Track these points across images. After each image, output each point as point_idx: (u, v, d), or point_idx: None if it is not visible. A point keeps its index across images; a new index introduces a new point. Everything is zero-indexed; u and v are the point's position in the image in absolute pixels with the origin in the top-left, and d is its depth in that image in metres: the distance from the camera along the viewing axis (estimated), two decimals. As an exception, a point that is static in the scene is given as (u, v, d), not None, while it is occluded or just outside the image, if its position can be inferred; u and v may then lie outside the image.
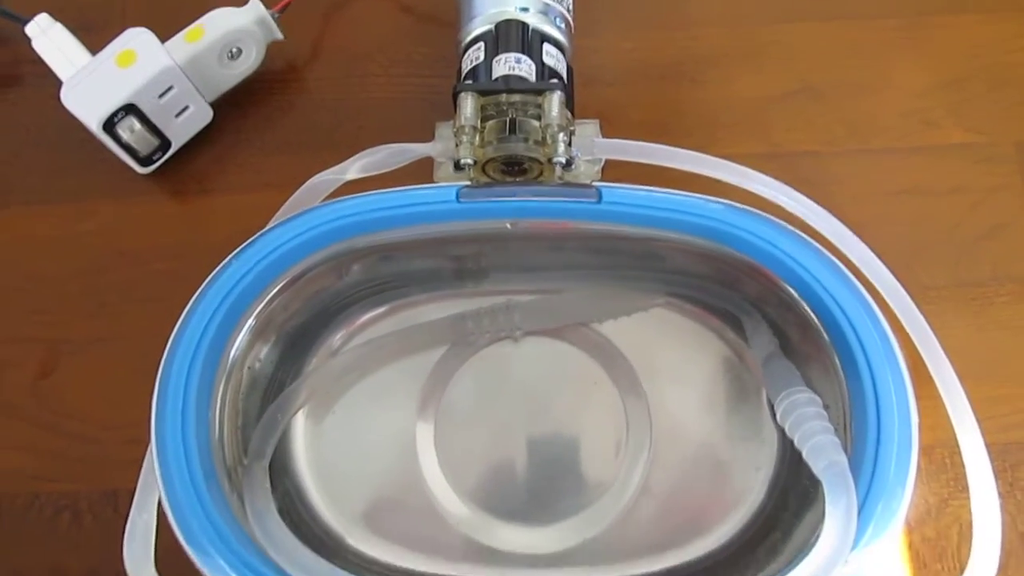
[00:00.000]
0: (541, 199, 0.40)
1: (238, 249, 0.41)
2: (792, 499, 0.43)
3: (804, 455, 0.37)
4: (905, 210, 0.49)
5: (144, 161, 0.50)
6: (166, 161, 0.51)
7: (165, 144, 0.50)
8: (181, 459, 0.38)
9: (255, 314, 0.42)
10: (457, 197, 0.40)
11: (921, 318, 0.39)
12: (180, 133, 0.50)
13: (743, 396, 0.45)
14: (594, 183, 0.41)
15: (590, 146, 0.41)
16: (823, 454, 0.36)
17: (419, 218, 0.41)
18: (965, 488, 0.38)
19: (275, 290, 0.42)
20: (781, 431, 0.43)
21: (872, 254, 0.40)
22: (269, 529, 0.37)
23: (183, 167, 0.51)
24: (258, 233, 0.41)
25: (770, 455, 0.44)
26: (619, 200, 0.40)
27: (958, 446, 0.37)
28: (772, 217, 0.41)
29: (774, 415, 0.43)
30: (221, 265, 0.41)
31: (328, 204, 0.41)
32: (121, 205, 0.51)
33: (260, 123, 0.52)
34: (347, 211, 0.40)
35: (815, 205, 0.40)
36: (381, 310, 0.47)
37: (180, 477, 0.37)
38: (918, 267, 0.47)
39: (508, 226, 0.42)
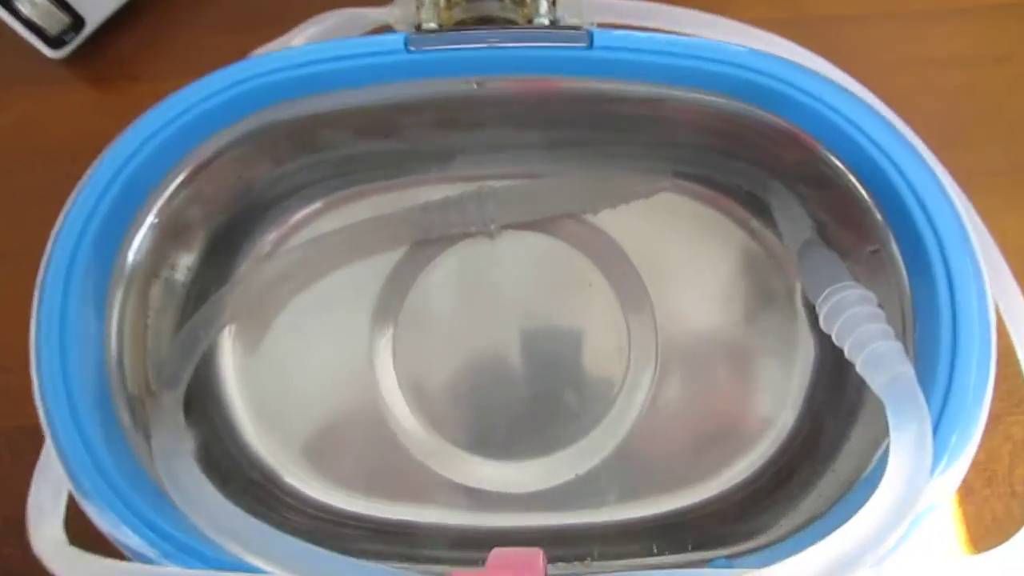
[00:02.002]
0: (514, 45, 0.31)
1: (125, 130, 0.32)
2: (831, 422, 0.35)
3: (858, 366, 0.29)
4: (946, 83, 0.43)
5: (54, 42, 0.44)
6: (84, 44, 0.45)
7: (78, 21, 0.44)
8: (59, 387, 0.30)
9: (156, 209, 0.33)
10: (405, 46, 0.31)
11: (971, 208, 0.33)
12: (95, 9, 0.44)
13: (770, 299, 0.37)
14: (583, 26, 0.32)
15: (577, 6, 0.32)
16: (885, 365, 0.28)
17: (356, 76, 0.32)
18: (1021, 402, 0.30)
19: (180, 178, 0.33)
20: (818, 340, 0.35)
21: (910, 132, 0.32)
22: (175, 471, 0.29)
23: (105, 51, 0.46)
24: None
25: (803, 369, 0.36)
26: (615, 45, 0.31)
27: (1015, 354, 0.32)
28: (809, 67, 0.32)
29: (811, 320, 0.35)
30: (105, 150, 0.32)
31: (236, 64, 0.32)
32: (36, 95, 0.45)
33: (192, -1, 0.45)
34: (260, 69, 0.31)
35: (846, 76, 0.35)
36: (321, 203, 0.38)
37: (58, 410, 0.29)
38: (961, 149, 0.39)
39: (474, 85, 0.32)
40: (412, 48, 0.31)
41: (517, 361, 0.38)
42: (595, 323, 0.38)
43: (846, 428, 0.35)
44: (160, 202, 0.33)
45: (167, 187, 0.33)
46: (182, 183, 0.34)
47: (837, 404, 0.35)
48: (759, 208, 0.37)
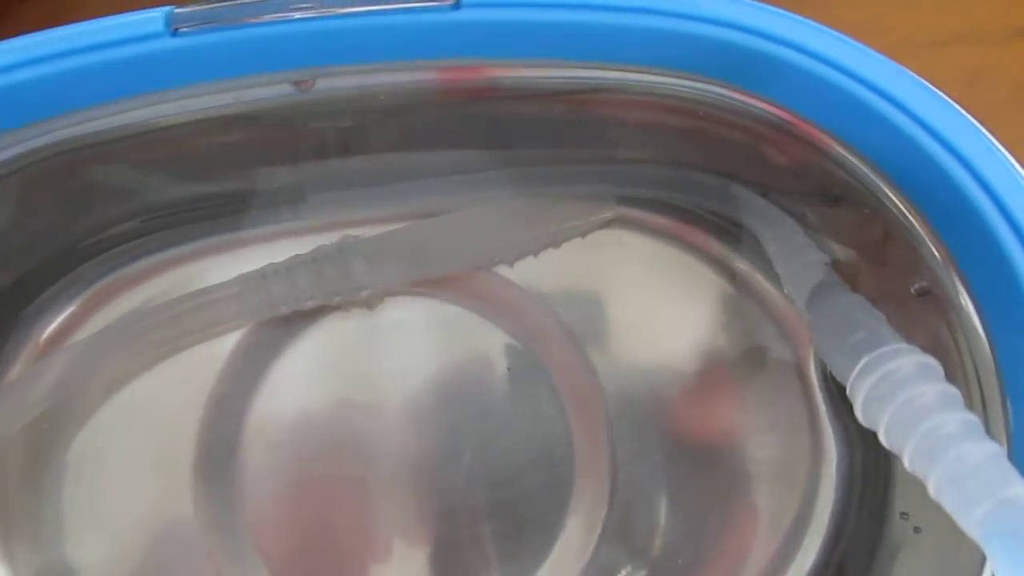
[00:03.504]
0: (340, 12, 0.20)
1: None
2: (862, 549, 0.23)
3: (932, 486, 0.18)
4: (956, 64, 0.35)
5: None
6: None
7: None
8: None
9: None
10: (168, 25, 0.20)
11: None
12: None
13: (769, 376, 0.26)
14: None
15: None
16: (981, 485, 0.17)
17: (100, 81, 0.20)
18: None
19: None
20: (844, 436, 0.24)
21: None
22: None
23: None
24: None
25: (825, 485, 0.24)
26: (495, 1, 0.19)
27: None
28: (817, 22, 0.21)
29: (833, 404, 0.24)
30: None
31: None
32: None
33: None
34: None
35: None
36: (121, 273, 0.27)
37: None
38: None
39: (288, 86, 0.21)
40: (178, 28, 0.20)
41: (411, 489, 0.26)
42: (522, 426, 0.26)
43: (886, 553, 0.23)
44: None
45: None
46: None
47: (875, 538, 0.23)
48: (743, 242, 0.26)
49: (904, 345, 0.20)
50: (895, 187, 0.21)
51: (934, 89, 0.20)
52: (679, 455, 0.27)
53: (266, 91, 0.22)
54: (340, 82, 0.22)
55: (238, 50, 0.20)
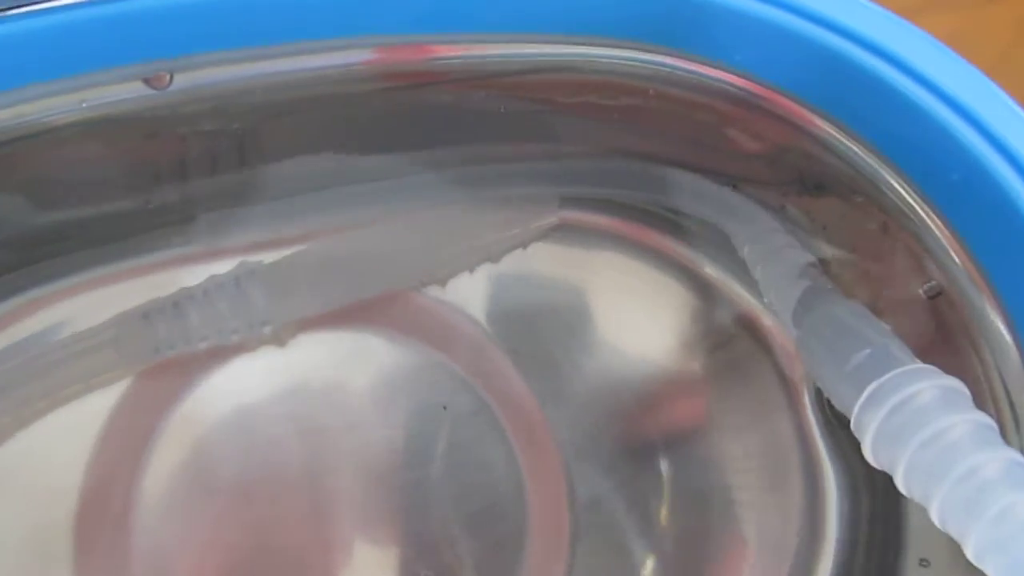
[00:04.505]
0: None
1: None
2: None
3: (970, 549, 0.13)
4: (931, 32, 0.29)
5: None
6: None
7: None
8: None
9: None
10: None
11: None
12: None
13: (750, 406, 0.21)
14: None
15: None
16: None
17: None
18: None
19: None
20: (848, 480, 0.20)
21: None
22: None
23: None
24: None
25: (824, 539, 0.20)
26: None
27: None
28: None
29: (832, 438, 0.20)
30: None
31: None
32: None
33: None
34: None
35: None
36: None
37: None
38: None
39: (145, 84, 0.17)
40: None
41: (332, 559, 0.22)
42: (463, 475, 0.22)
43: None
44: None
45: None
46: None
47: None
48: (711, 243, 0.22)
49: (919, 365, 0.16)
50: (893, 166, 0.17)
51: (937, 41, 0.16)
52: (649, 494, 0.23)
53: (114, 92, 0.18)
54: (207, 76, 0.18)
55: (64, 38, 0.16)
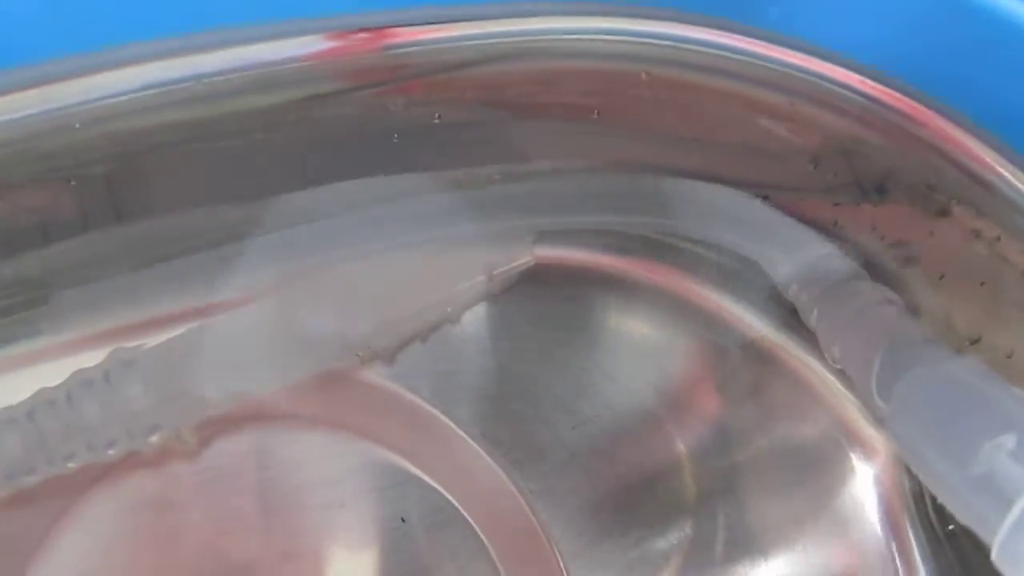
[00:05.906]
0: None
1: None
2: None
3: None
4: None
5: None
6: None
7: None
8: None
9: None
10: None
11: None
12: None
13: (809, 487, 0.16)
14: None
15: None
16: None
17: None
18: None
19: None
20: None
21: None
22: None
23: None
24: None
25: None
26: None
27: None
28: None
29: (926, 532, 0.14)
30: None
31: None
32: None
33: None
34: None
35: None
36: None
37: None
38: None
39: None
40: None
41: None
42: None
43: None
44: None
45: None
46: None
47: None
48: (739, 278, 0.16)
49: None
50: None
51: None
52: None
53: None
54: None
55: None
